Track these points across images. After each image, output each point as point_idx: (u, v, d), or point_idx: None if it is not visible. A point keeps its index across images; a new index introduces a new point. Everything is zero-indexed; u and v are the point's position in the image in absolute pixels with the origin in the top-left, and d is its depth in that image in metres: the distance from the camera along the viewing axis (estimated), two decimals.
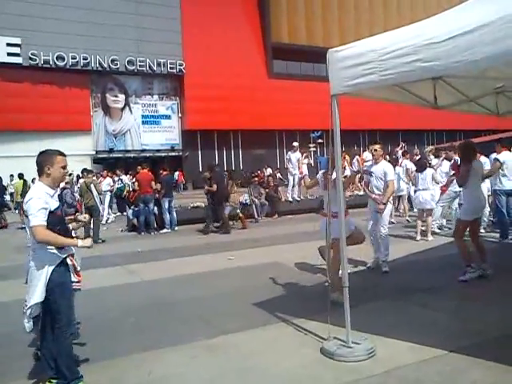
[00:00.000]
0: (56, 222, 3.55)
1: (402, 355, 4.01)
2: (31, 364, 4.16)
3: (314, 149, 31.67)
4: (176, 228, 13.09)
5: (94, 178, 13.15)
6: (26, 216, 3.53)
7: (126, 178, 19.33)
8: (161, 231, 12.83)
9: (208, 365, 4.11)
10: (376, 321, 4.86)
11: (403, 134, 35.26)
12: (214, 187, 12.05)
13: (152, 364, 4.15)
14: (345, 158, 15.72)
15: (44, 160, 3.67)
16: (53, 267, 3.53)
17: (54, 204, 3.59)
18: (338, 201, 4.25)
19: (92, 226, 11.08)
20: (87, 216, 4.79)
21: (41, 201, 3.50)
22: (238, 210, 13.18)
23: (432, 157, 13.00)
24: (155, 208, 13.04)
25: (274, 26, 35.78)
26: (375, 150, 7.24)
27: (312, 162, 20.18)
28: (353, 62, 3.86)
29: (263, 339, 4.62)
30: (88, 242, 3.70)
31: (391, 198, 7.39)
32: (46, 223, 3.46)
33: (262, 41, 35.67)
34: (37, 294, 3.49)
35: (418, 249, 8.69)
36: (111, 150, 31.93)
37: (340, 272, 5.32)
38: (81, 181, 12.33)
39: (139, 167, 13.95)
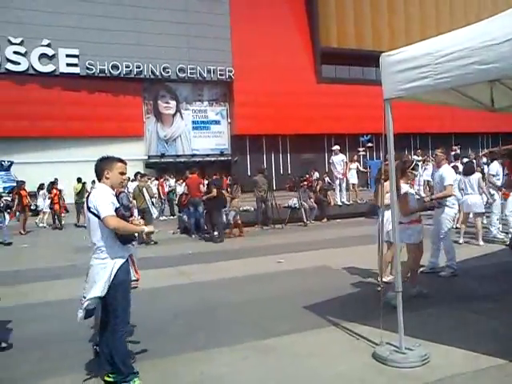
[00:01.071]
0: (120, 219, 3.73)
1: (458, 363, 3.93)
2: (90, 359, 4.35)
3: (364, 153, 31.26)
4: (226, 231, 13.25)
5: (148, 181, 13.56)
6: (94, 214, 3.69)
7: (172, 182, 19.84)
8: (211, 234, 13.02)
9: (259, 366, 4.16)
10: (430, 327, 4.77)
11: (456, 138, 34.13)
12: (214, 192, 11.80)
13: (203, 363, 4.24)
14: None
15: (104, 165, 3.88)
16: (118, 265, 3.69)
17: (116, 204, 3.78)
18: (392, 207, 4.24)
19: None
20: (142, 220, 4.96)
21: (108, 197, 3.72)
22: (238, 216, 13.11)
23: (484, 160, 12.57)
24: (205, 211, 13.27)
25: (322, 31, 35.61)
26: (436, 155, 7.15)
27: (361, 166, 19.94)
28: (407, 65, 3.83)
29: (314, 342, 4.63)
30: (151, 227, 4.01)
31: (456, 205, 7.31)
32: (115, 214, 3.65)
33: (311, 46, 35.56)
34: (97, 289, 3.64)
35: (471, 254, 8.43)
36: (163, 155, 32.72)
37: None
38: (134, 184, 12.70)
39: (187, 172, 14.27)
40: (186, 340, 4.86)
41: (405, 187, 5.73)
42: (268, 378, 3.92)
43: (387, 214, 5.59)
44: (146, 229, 3.86)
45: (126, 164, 3.99)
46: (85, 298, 3.76)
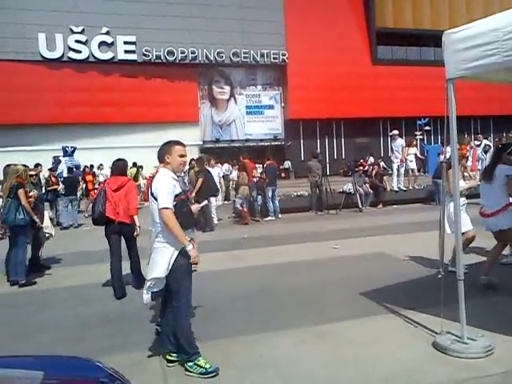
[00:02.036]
0: (181, 205, 3.83)
1: None
2: (152, 338, 4.51)
3: (421, 137, 30.33)
4: (280, 216, 13.32)
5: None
6: (155, 199, 3.80)
7: (227, 167, 20.02)
8: (265, 219, 13.12)
9: (316, 350, 4.17)
10: (494, 317, 4.60)
11: None
12: (200, 181, 11.32)
13: (262, 346, 4.30)
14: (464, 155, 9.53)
15: (164, 149, 3.97)
16: (180, 248, 3.79)
17: (179, 189, 3.87)
18: (455, 194, 4.09)
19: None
20: (198, 205, 5.02)
21: (169, 186, 3.79)
22: (244, 205, 12.91)
23: None
24: (259, 197, 13.38)
25: (378, 11, 34.53)
26: None
27: (418, 151, 19.34)
28: (472, 43, 3.65)
29: (372, 329, 4.58)
30: (195, 252, 3.80)
31: None
32: (172, 207, 3.74)
33: (366, 27, 34.61)
34: (159, 270, 3.76)
35: None
36: (217, 140, 33.11)
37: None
38: (190, 169, 12.92)
39: (242, 157, 14.35)
40: (244, 323, 4.94)
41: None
42: (325, 362, 3.92)
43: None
44: (190, 247, 3.76)
45: (184, 146, 4.04)
46: (146, 278, 3.90)
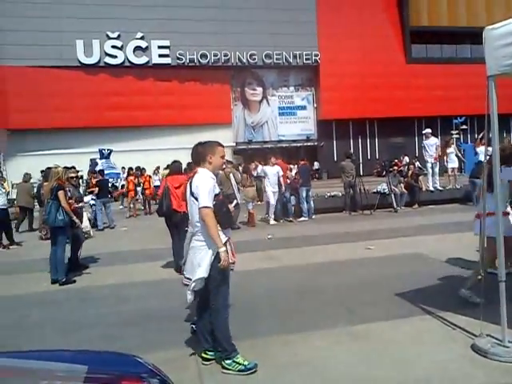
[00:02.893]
0: (220, 204, 3.88)
1: None
2: (188, 337, 4.58)
3: (457, 136, 29.61)
4: (313, 216, 13.27)
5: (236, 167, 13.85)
6: (196, 199, 3.86)
7: (260, 168, 20.07)
8: (298, 219, 13.09)
9: (351, 351, 4.15)
10: None
11: None
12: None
13: (297, 346, 4.31)
14: None
15: (206, 149, 4.02)
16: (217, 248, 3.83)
17: (217, 188, 3.93)
18: (495, 196, 3.98)
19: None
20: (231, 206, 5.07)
21: (209, 185, 3.85)
22: (251, 206, 12.81)
23: None
24: (292, 197, 13.36)
25: (412, 9, 33.91)
26: None
27: (455, 150, 18.90)
28: None
29: (408, 330, 4.52)
30: (226, 256, 3.79)
31: None
32: (212, 206, 3.79)
33: (400, 25, 34.06)
34: (202, 270, 3.82)
35: None
36: (250, 142, 33.24)
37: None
38: (221, 171, 13.00)
39: (273, 158, 14.34)
40: (279, 322, 4.96)
41: None
42: (360, 363, 3.90)
43: None
44: (223, 249, 3.77)
45: (224, 147, 4.12)
46: (188, 278, 3.96)
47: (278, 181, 12.86)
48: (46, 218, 7.29)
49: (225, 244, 3.86)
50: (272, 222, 12.73)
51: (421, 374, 3.62)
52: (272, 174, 12.82)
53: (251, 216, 12.76)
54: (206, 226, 3.80)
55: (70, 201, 7.42)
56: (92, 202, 13.79)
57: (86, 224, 8.24)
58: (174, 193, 7.38)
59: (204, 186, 3.83)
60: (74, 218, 7.40)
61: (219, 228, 3.84)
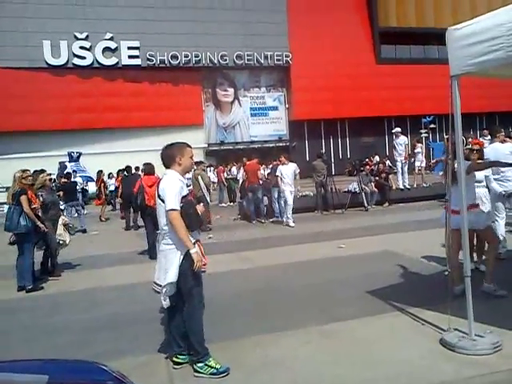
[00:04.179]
0: (187, 206, 3.83)
1: None
2: (159, 341, 4.51)
3: (426, 135, 30.21)
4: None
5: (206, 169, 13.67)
6: (163, 201, 3.81)
7: (234, 169, 20.07)
8: (271, 220, 13.10)
9: (322, 350, 4.16)
10: (502, 313, 4.55)
11: None
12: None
13: (268, 347, 4.29)
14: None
15: (175, 151, 3.97)
16: (186, 250, 3.78)
17: (186, 190, 3.88)
18: (460, 193, 4.04)
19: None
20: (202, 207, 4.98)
21: (176, 187, 3.79)
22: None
23: None
24: (265, 198, 13.36)
25: (381, 10, 34.47)
26: None
27: (424, 149, 19.28)
28: (476, 39, 3.63)
29: (378, 327, 4.57)
30: (199, 257, 3.77)
31: None
32: (179, 208, 3.74)
33: (369, 26, 34.57)
34: (171, 274, 3.76)
35: None
36: (222, 143, 33.15)
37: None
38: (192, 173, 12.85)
39: (244, 159, 14.35)
40: (251, 323, 4.94)
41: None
42: (331, 361, 3.91)
43: None
44: (194, 251, 3.75)
45: (192, 148, 4.10)
46: (157, 284, 3.89)
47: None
48: (7, 224, 7.04)
49: (194, 245, 3.82)
50: (292, 223, 11.85)
51: (391, 371, 3.65)
52: (289, 172, 12.10)
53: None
54: (174, 229, 3.75)
55: (33, 206, 7.19)
56: (62, 206, 13.37)
57: (60, 232, 7.99)
58: (148, 191, 8.48)
59: (171, 188, 3.78)
60: (38, 223, 7.18)
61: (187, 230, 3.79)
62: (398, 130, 15.82)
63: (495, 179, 6.44)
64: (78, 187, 15.24)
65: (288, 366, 3.88)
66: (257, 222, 12.99)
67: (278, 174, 11.93)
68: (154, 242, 7.14)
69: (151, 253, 8.30)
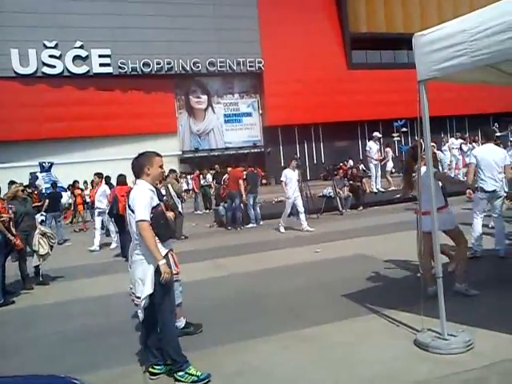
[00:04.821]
0: (159, 215, 3.79)
1: (504, 348, 3.82)
2: (134, 352, 4.46)
3: (398, 138, 30.63)
4: (261, 222, 13.31)
5: (178, 178, 13.58)
6: (132, 211, 3.78)
7: (209, 177, 19.98)
8: (246, 226, 13.10)
9: (300, 355, 4.17)
10: (473, 312, 4.65)
11: (495, 119, 32.96)
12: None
13: (245, 353, 4.29)
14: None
15: (143, 161, 3.94)
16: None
17: (156, 200, 3.84)
18: (430, 194, 4.11)
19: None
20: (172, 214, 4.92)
21: (146, 198, 3.76)
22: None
23: None
24: (241, 204, 13.36)
25: (351, 16, 34.97)
26: None
27: (397, 152, 19.60)
28: (441, 44, 3.71)
29: (354, 331, 4.60)
30: (167, 269, 3.73)
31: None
32: (149, 219, 3.71)
33: (340, 32, 35.02)
34: (148, 286, 3.73)
35: None
36: (196, 150, 33.00)
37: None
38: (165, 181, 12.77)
39: (229, 168, 14.39)
40: (227, 331, 4.92)
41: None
42: (308, 366, 3.93)
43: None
44: (162, 262, 3.70)
45: (161, 157, 4.06)
46: (134, 295, 3.85)
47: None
48: None
49: (165, 256, 3.78)
50: (283, 229, 11.65)
51: (367, 374, 3.68)
52: (294, 178, 11.71)
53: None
54: (143, 240, 3.71)
55: (3, 218, 7.01)
56: (42, 217, 12.96)
57: (35, 242, 7.80)
58: (121, 200, 9.10)
59: (140, 198, 3.76)
60: (9, 235, 7.03)
61: (158, 240, 3.76)
62: (378, 135, 16.06)
63: (489, 177, 6.58)
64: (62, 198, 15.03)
65: (265, 372, 3.87)
66: (232, 229, 12.96)
67: (283, 178, 11.63)
68: (126, 243, 7.97)
69: (125, 253, 8.88)
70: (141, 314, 3.87)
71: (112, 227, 11.31)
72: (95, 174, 12.11)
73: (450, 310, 4.02)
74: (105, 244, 11.75)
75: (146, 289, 3.73)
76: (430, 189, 4.14)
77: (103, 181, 11.91)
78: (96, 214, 11.97)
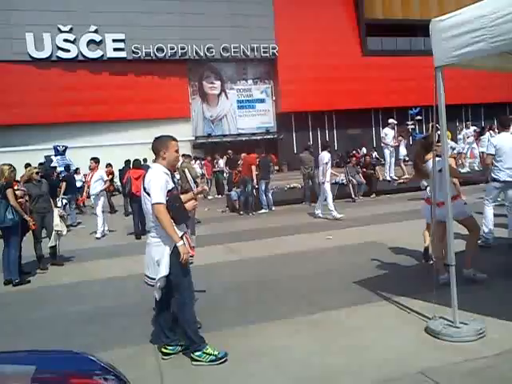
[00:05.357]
0: (172, 200, 3.83)
1: None
2: (146, 332, 4.52)
3: (413, 126, 30.35)
4: (273, 208, 13.34)
5: (193, 161, 13.61)
6: (148, 194, 3.80)
7: (221, 162, 20.03)
8: (259, 212, 13.13)
9: (311, 339, 4.21)
10: (485, 301, 4.64)
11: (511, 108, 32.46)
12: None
13: (256, 337, 4.34)
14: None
15: (159, 145, 3.96)
16: (173, 243, 3.78)
17: (171, 183, 3.88)
18: (445, 184, 4.08)
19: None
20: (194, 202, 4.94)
21: (161, 181, 3.79)
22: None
23: None
24: (253, 190, 13.40)
25: (367, 2, 34.47)
26: None
27: (411, 140, 19.43)
28: (459, 30, 3.65)
29: (365, 316, 4.62)
30: (185, 249, 3.79)
31: None
32: (165, 202, 3.74)
33: (356, 18, 34.57)
34: (162, 268, 3.77)
35: None
36: (209, 136, 32.99)
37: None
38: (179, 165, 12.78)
39: (243, 154, 14.40)
40: (239, 314, 4.97)
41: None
42: (319, 350, 3.96)
43: None
44: (180, 243, 3.76)
45: (177, 141, 4.08)
46: (150, 278, 3.89)
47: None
48: None
49: (181, 238, 3.83)
50: (339, 215, 10.97)
51: (378, 359, 3.70)
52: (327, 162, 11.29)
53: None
54: (160, 223, 3.75)
55: (21, 200, 7.15)
56: (64, 201, 12.50)
57: (56, 222, 7.97)
58: (134, 181, 10.05)
59: (156, 181, 3.78)
60: (25, 216, 7.17)
61: (173, 223, 3.79)
62: (392, 120, 15.93)
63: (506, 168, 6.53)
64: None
65: (276, 356, 3.91)
66: (244, 214, 13.01)
67: (326, 161, 11.19)
68: (139, 222, 9.76)
69: (137, 231, 10.39)
70: (157, 295, 3.92)
71: (100, 211, 11.12)
72: (91, 159, 11.77)
73: (461, 299, 4.01)
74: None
75: (161, 270, 3.78)
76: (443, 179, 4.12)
77: (98, 166, 11.83)
78: (93, 199, 11.48)
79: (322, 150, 11.62)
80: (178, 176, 11.20)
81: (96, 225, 11.11)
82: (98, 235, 11.00)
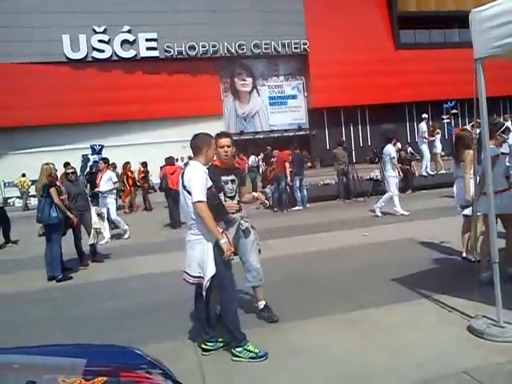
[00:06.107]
0: (213, 197, 3.87)
1: None
2: (186, 328, 4.60)
3: (448, 120, 29.67)
4: (308, 205, 13.29)
5: None
6: (189, 192, 3.85)
7: (253, 159, 20.10)
8: (293, 208, 13.11)
9: (348, 338, 4.18)
10: None
11: None
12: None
13: (293, 334, 4.33)
14: None
15: (202, 142, 4.02)
16: (214, 240, 3.84)
17: (209, 181, 3.92)
18: (487, 175, 3.98)
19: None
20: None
21: (202, 179, 3.83)
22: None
23: None
24: (287, 186, 13.38)
25: None
26: None
27: (446, 134, 18.98)
28: (501, 20, 3.55)
29: (404, 315, 4.56)
30: (228, 247, 3.84)
31: None
32: (206, 200, 3.78)
33: (388, 12, 34.00)
34: (210, 268, 3.83)
35: None
36: (242, 133, 33.10)
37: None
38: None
39: (276, 151, 14.38)
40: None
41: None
42: (357, 348, 3.93)
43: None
44: (223, 241, 3.80)
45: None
46: (188, 273, 3.95)
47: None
48: (39, 216, 7.26)
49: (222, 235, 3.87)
50: (406, 212, 10.51)
51: (418, 358, 3.64)
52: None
53: None
54: (201, 220, 3.79)
55: (63, 197, 7.39)
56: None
57: (95, 220, 8.20)
58: (170, 177, 11.20)
59: (197, 179, 3.82)
60: (69, 213, 7.40)
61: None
62: (425, 115, 15.67)
63: None
64: None
65: (313, 354, 3.90)
66: (279, 211, 13.01)
67: (394, 155, 10.73)
68: (175, 215, 10.63)
69: (173, 224, 11.31)
70: (204, 293, 3.96)
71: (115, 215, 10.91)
72: (101, 160, 11.73)
73: (505, 297, 3.90)
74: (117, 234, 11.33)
75: (209, 270, 3.83)
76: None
77: (109, 167, 11.89)
78: (100, 202, 10.64)
79: (386, 143, 11.00)
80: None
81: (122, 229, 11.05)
82: (126, 236, 10.91)
